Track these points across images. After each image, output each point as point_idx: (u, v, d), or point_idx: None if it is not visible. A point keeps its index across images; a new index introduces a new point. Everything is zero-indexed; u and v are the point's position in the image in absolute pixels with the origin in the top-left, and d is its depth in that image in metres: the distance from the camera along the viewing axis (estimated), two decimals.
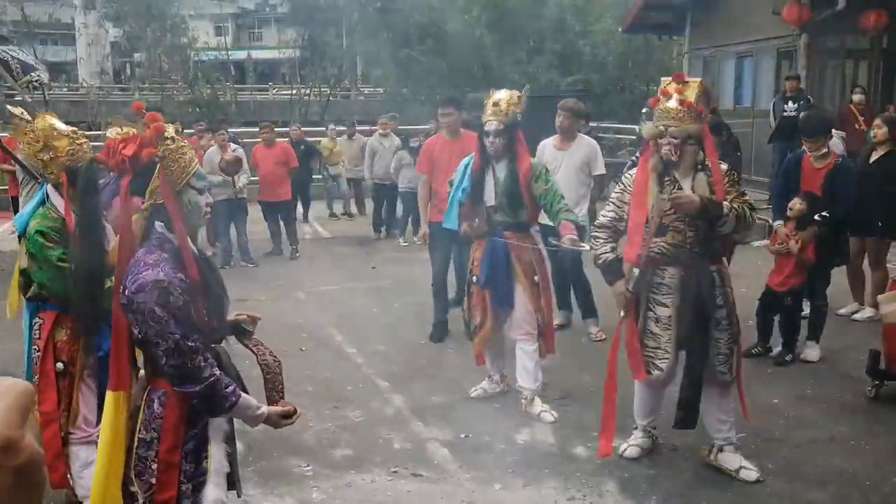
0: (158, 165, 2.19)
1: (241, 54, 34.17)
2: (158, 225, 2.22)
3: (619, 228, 3.69)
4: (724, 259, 3.83)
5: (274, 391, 2.37)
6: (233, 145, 8.68)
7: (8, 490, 1.00)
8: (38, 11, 25.47)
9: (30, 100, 5.37)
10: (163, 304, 2.09)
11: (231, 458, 2.36)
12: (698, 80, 3.63)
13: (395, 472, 3.80)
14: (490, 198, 4.37)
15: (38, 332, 3.25)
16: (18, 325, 3.61)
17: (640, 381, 3.74)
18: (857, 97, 9.87)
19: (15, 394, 1.04)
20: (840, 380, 4.87)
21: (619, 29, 17.08)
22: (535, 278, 4.38)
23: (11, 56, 6.02)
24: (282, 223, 9.00)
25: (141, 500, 2.23)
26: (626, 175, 3.74)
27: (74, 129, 3.35)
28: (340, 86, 27.47)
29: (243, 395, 2.23)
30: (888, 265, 6.02)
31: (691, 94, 3.46)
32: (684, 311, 3.52)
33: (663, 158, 3.51)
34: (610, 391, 3.72)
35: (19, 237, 3.34)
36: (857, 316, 6.07)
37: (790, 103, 9.97)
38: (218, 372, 2.18)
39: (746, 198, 3.62)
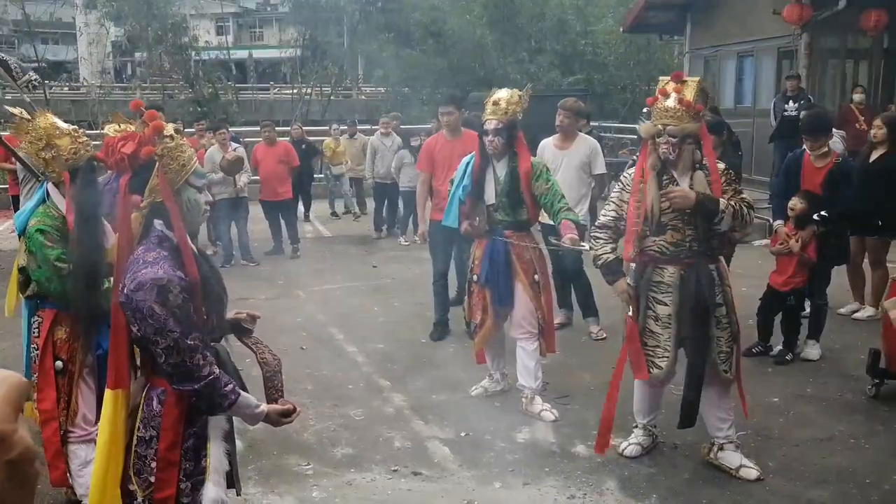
0: (157, 163, 2.19)
1: (242, 53, 34.16)
2: (157, 223, 2.22)
3: (619, 228, 3.69)
4: (723, 258, 3.83)
5: (273, 389, 2.37)
6: (234, 144, 8.68)
7: (0, 484, 0.99)
8: (39, 10, 25.44)
9: (28, 100, 5.37)
10: (162, 302, 2.08)
11: (230, 456, 2.36)
12: (696, 79, 3.63)
13: (395, 470, 3.80)
14: (490, 196, 4.37)
15: (36, 330, 3.25)
16: (16, 323, 3.62)
17: (641, 379, 3.74)
18: (857, 97, 9.87)
19: (8, 386, 1.02)
20: (840, 378, 4.87)
21: (621, 29, 17.08)
22: (536, 277, 4.38)
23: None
24: (283, 222, 9.01)
25: (140, 499, 2.23)
26: (626, 174, 3.75)
27: (76, 127, 3.36)
28: (342, 85, 27.46)
29: (243, 393, 2.23)
30: (889, 264, 6.01)
31: (689, 93, 3.47)
32: (684, 310, 3.53)
33: (661, 157, 3.51)
34: (614, 388, 3.73)
35: (19, 235, 3.34)
36: (857, 315, 6.06)
37: (791, 103, 9.96)
38: (217, 370, 2.17)
39: (743, 195, 3.62)
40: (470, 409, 4.49)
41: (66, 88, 30.78)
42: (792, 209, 5.12)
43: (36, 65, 24.36)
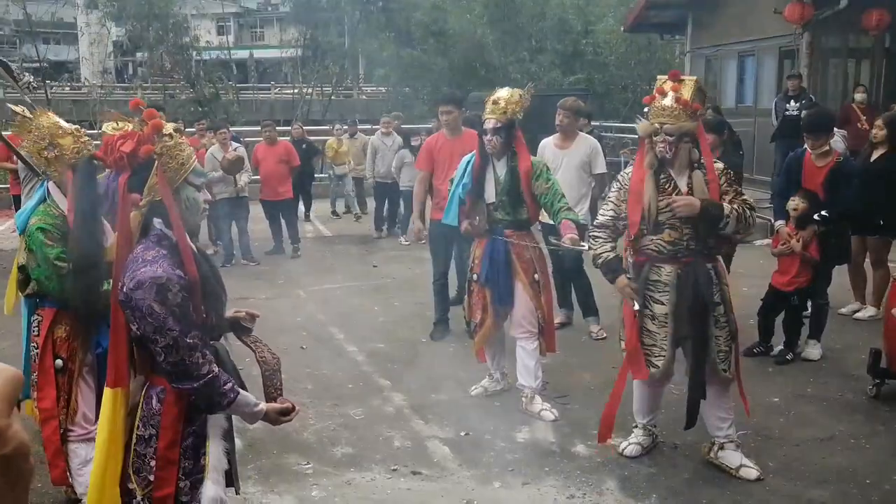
0: (156, 162, 2.19)
1: (243, 53, 34.18)
2: (157, 221, 2.22)
3: (618, 227, 3.69)
4: (724, 257, 3.83)
5: (272, 388, 2.37)
6: (234, 144, 8.69)
7: None
8: (41, 10, 25.47)
9: (29, 101, 5.39)
10: (161, 300, 2.09)
11: (229, 454, 2.36)
12: (693, 78, 3.63)
13: (394, 469, 3.80)
14: (490, 195, 4.37)
15: (36, 328, 3.25)
16: (18, 322, 3.62)
17: (640, 379, 3.74)
18: (859, 96, 9.85)
19: (2, 381, 1.01)
20: (841, 378, 4.86)
21: (622, 28, 17.06)
22: (536, 276, 4.38)
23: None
24: (283, 221, 9.01)
25: (139, 497, 2.23)
26: (623, 173, 3.75)
27: (78, 127, 3.37)
28: (342, 85, 27.47)
29: (242, 391, 2.23)
30: (890, 264, 6.01)
31: (686, 92, 3.47)
32: (680, 309, 3.52)
33: (658, 156, 3.51)
34: (622, 379, 3.76)
35: (20, 234, 3.34)
36: (858, 315, 6.06)
37: (792, 102, 9.96)
38: (216, 369, 2.18)
39: (745, 197, 3.62)
40: (470, 409, 4.48)
41: (67, 88, 30.81)
42: (795, 209, 5.11)
43: (37, 65, 24.41)
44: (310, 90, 24.42)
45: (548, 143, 5.84)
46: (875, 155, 5.81)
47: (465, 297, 4.65)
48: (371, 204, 10.81)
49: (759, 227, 7.71)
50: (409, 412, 4.49)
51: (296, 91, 25.40)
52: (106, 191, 3.01)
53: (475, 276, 4.46)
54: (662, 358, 3.60)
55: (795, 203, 5.13)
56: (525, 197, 4.32)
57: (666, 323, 3.57)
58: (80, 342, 3.20)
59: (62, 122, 3.30)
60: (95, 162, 2.54)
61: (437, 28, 21.21)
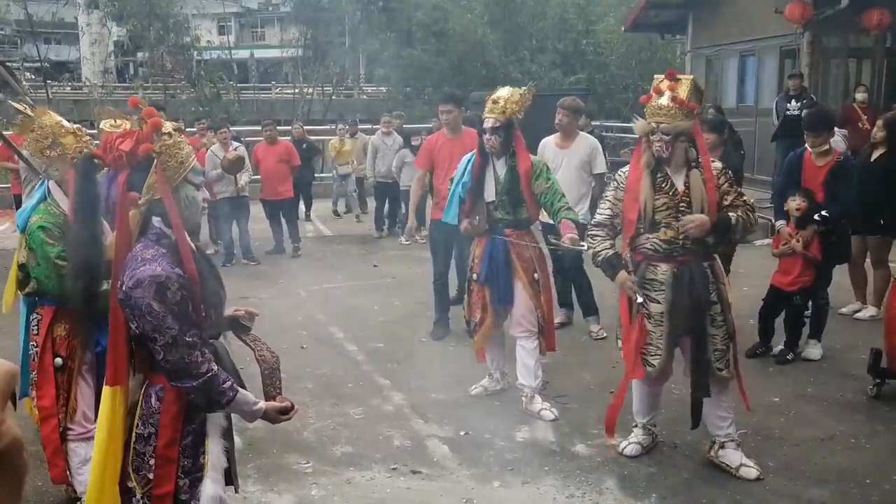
0: (155, 161, 2.19)
1: (244, 53, 34.19)
2: (156, 220, 2.22)
3: (615, 225, 3.69)
4: (725, 257, 3.83)
5: (271, 387, 2.37)
6: (235, 143, 8.69)
7: None
8: (42, 10, 25.51)
9: (30, 101, 5.40)
10: (160, 299, 2.09)
11: (229, 453, 2.36)
12: (690, 77, 3.64)
13: (394, 469, 3.80)
14: (490, 195, 4.37)
15: (35, 327, 3.25)
16: (13, 322, 3.62)
17: (637, 379, 3.74)
18: (860, 96, 9.84)
19: None
20: (841, 378, 4.86)
21: (622, 28, 17.07)
22: (536, 276, 4.38)
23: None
24: (283, 221, 9.01)
25: (138, 496, 2.23)
26: (620, 172, 3.75)
27: (79, 126, 3.38)
28: (343, 85, 27.48)
29: (241, 390, 2.23)
30: (891, 264, 6.00)
31: (682, 91, 3.47)
32: (676, 308, 3.52)
33: (655, 155, 3.52)
34: (625, 380, 3.77)
35: (21, 232, 3.34)
36: (858, 315, 6.05)
37: (793, 102, 9.95)
38: (215, 367, 2.17)
39: (745, 198, 3.63)
40: (469, 408, 4.48)
41: (68, 88, 30.85)
42: (798, 209, 5.10)
43: (38, 65, 24.45)
44: (310, 90, 24.44)
45: (548, 143, 5.84)
46: (875, 155, 5.81)
47: (465, 296, 4.65)
48: (371, 204, 10.81)
49: (759, 226, 7.71)
50: (409, 411, 4.49)
51: (296, 91, 25.43)
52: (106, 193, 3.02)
53: (475, 276, 4.46)
54: (658, 357, 3.60)
55: (797, 203, 5.12)
56: (525, 196, 4.32)
57: (662, 322, 3.57)
58: (80, 340, 3.20)
59: (64, 122, 3.31)
60: (95, 161, 2.53)
61: (438, 28, 21.23)
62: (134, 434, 2.25)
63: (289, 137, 10.27)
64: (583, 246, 3.99)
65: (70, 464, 3.27)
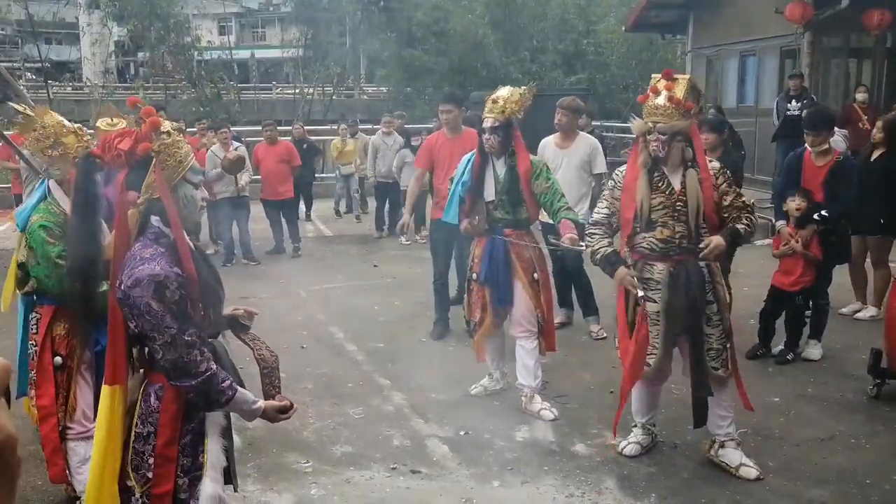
0: (154, 160, 2.19)
1: (244, 53, 34.19)
2: (154, 219, 2.22)
3: (612, 224, 3.70)
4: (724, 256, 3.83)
5: (271, 386, 2.37)
6: (235, 143, 8.69)
7: None
8: (43, 10, 25.52)
9: (31, 103, 5.41)
10: (159, 298, 2.09)
11: (228, 452, 2.36)
12: (687, 76, 3.64)
13: (394, 468, 3.80)
14: (490, 194, 4.37)
15: (35, 326, 3.25)
16: (11, 321, 3.62)
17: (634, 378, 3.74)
18: (860, 96, 9.84)
19: None
20: (841, 378, 4.85)
21: (623, 28, 17.07)
22: (535, 275, 4.37)
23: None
24: (284, 221, 9.02)
25: (138, 495, 2.23)
26: (618, 171, 3.75)
27: (80, 125, 3.39)
28: (344, 85, 27.48)
29: (240, 389, 2.23)
30: (891, 264, 6.00)
31: (679, 91, 3.47)
32: (672, 307, 3.52)
33: (652, 154, 3.52)
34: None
35: (21, 231, 3.34)
36: (859, 315, 6.05)
37: (793, 102, 9.95)
38: (214, 366, 2.17)
39: (744, 198, 3.64)
40: (469, 408, 4.48)
41: (69, 88, 30.86)
42: (797, 209, 5.10)
43: (39, 65, 24.46)
44: (311, 90, 24.44)
45: (548, 143, 5.84)
46: (875, 155, 5.81)
47: (465, 296, 4.65)
48: (372, 204, 10.81)
49: (760, 227, 7.71)
50: (409, 411, 4.49)
51: (297, 91, 25.42)
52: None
53: (475, 275, 4.46)
54: (655, 356, 3.60)
55: (796, 203, 5.12)
56: (524, 196, 4.32)
57: (658, 321, 3.57)
58: (79, 340, 3.20)
59: (65, 121, 3.32)
60: (95, 160, 2.53)
61: (439, 28, 21.23)
62: (133, 433, 2.25)
63: (289, 138, 10.27)
64: (582, 246, 3.99)
65: (69, 463, 3.27)
